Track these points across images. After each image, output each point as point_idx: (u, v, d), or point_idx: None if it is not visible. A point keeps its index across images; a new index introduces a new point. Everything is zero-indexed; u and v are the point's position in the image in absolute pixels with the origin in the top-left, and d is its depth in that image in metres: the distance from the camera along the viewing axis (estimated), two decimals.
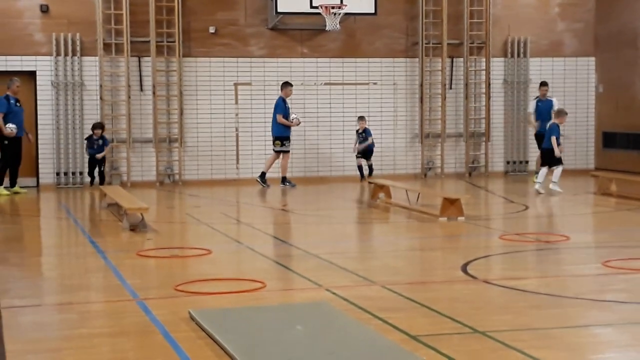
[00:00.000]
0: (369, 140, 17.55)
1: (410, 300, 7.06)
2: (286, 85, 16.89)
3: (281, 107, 16.65)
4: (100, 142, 16.67)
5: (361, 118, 17.69)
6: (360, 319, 6.39)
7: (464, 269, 8.38)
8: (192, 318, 6.36)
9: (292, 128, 16.86)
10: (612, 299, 7.08)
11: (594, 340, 6.01)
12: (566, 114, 15.41)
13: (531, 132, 18.09)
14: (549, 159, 14.98)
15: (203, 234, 11.33)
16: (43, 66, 17.07)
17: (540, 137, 15.92)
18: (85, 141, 16.87)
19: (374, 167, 17.79)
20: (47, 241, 11.42)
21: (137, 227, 11.18)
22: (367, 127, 17.65)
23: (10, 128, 15.61)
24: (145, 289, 7.62)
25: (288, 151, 16.80)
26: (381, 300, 7.14)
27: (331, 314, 6.45)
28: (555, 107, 16.84)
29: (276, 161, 16.85)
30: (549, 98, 17.17)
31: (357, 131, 17.76)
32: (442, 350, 5.55)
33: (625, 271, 8.18)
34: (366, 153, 17.64)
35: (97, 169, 16.74)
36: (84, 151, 17.01)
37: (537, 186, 15.04)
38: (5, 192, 15.69)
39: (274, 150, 16.79)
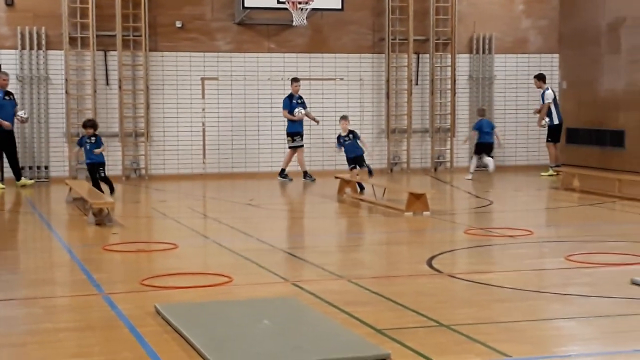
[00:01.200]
0: (365, 146, 15.29)
1: (376, 294, 7.11)
2: (292, 81, 17.06)
3: (285, 102, 16.90)
4: (94, 139, 14.19)
5: (344, 117, 15.27)
6: (327, 313, 6.41)
7: (429, 263, 8.45)
8: (158, 312, 6.36)
9: (313, 123, 17.28)
10: (575, 293, 7.17)
11: (557, 333, 6.08)
12: (484, 109, 17.59)
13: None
14: (489, 151, 17.17)
15: (169, 228, 11.31)
16: (8, 60, 16.89)
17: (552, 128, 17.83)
18: (79, 147, 14.51)
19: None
20: (11, 235, 11.32)
21: (102, 221, 11.13)
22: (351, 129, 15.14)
23: (21, 117, 15.84)
24: (111, 284, 7.61)
25: (301, 146, 16.88)
26: (347, 294, 7.18)
27: (298, 309, 6.47)
28: (547, 99, 17.63)
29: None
30: (545, 89, 17.78)
31: (339, 136, 15.14)
32: (407, 343, 5.60)
33: (587, 265, 8.28)
34: (360, 159, 15.14)
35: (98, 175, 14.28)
36: (78, 156, 15.66)
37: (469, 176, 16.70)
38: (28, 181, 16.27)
39: (289, 147, 17.03)
